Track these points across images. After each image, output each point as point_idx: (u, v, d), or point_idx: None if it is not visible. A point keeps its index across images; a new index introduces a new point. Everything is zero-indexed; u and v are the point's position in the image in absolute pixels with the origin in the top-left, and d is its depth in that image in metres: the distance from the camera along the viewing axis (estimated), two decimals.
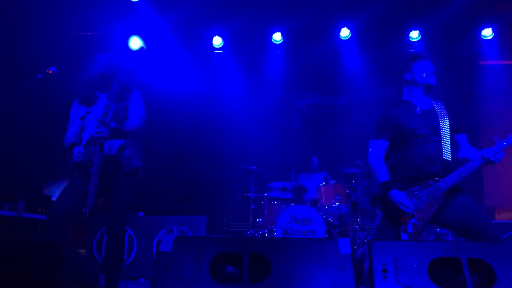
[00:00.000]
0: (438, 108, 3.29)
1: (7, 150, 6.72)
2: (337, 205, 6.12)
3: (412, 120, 3.20)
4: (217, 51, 8.18)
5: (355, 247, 5.83)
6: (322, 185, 6.35)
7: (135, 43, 7.92)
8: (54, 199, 3.38)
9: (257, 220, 6.63)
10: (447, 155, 3.14)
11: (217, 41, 7.97)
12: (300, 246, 2.30)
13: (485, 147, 3.09)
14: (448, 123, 3.22)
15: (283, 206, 6.31)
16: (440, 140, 3.17)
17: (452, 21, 7.28)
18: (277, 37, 7.87)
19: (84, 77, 3.63)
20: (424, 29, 7.62)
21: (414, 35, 7.66)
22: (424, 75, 3.24)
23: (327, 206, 6.15)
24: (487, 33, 7.52)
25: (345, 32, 7.72)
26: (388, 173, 3.18)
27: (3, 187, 6.25)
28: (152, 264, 5.97)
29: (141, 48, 7.92)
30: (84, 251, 5.93)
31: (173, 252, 2.31)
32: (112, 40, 7.71)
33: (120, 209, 3.44)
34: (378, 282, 2.15)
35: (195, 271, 2.24)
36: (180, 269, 2.25)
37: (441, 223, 3.06)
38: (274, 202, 6.55)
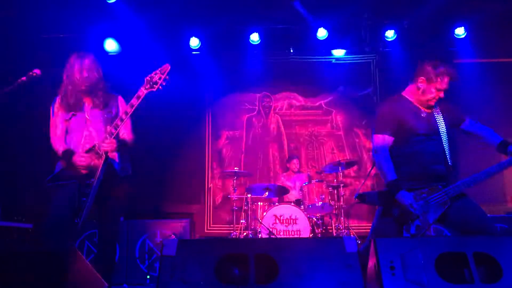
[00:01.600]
0: (436, 112, 3.31)
1: None
2: (321, 204, 6.15)
3: (415, 121, 3.21)
4: (194, 52, 8.10)
5: None
6: (305, 184, 6.36)
7: (110, 45, 7.79)
8: (49, 208, 3.28)
9: (241, 221, 6.59)
10: (449, 158, 3.18)
11: (194, 42, 7.89)
12: (306, 245, 2.29)
13: None
14: (445, 127, 3.25)
15: (267, 206, 6.31)
16: (441, 142, 3.20)
17: (426, 20, 7.41)
18: (254, 37, 7.84)
19: (71, 81, 3.53)
20: (399, 28, 7.72)
21: (390, 34, 7.75)
22: (432, 96, 3.20)
23: (311, 205, 6.17)
24: (460, 32, 7.67)
25: (322, 32, 7.75)
26: (395, 170, 3.16)
27: None
28: (135, 269, 5.90)
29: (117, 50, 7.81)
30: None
31: (177, 256, 2.26)
32: (87, 42, 7.55)
33: (116, 216, 3.42)
34: (386, 280, 2.15)
35: (201, 274, 2.20)
36: (185, 272, 2.21)
37: (443, 222, 3.09)
38: (257, 203, 6.53)
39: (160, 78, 3.43)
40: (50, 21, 7.26)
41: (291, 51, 8.19)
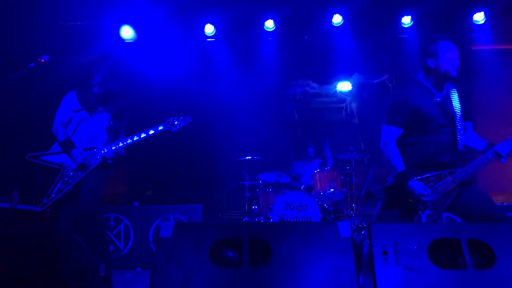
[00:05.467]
0: (453, 94, 3.22)
1: (1, 142, 6.67)
2: (332, 191, 6.14)
3: (430, 107, 3.13)
4: (209, 39, 8.11)
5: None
6: (317, 171, 6.36)
7: (126, 32, 7.85)
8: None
9: (253, 207, 6.64)
10: (460, 145, 3.12)
11: (209, 29, 7.90)
12: (300, 230, 2.31)
13: (501, 142, 3.07)
14: (460, 110, 3.16)
15: (278, 193, 6.33)
16: (455, 131, 3.12)
17: (444, 6, 7.26)
18: (269, 24, 7.80)
19: (88, 86, 3.82)
20: (416, 15, 7.59)
21: (406, 20, 7.62)
22: (450, 67, 3.13)
23: (322, 192, 6.17)
24: (479, 17, 7.49)
25: (337, 19, 7.66)
26: (403, 162, 3.11)
27: None
28: (149, 253, 6.01)
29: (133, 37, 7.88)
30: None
31: (173, 239, 2.30)
32: (103, 29, 7.63)
33: (94, 198, 3.59)
34: (378, 265, 2.16)
35: (196, 257, 2.24)
36: (180, 255, 2.25)
37: (452, 210, 3.06)
38: (269, 190, 6.57)
39: (179, 125, 3.84)
40: (67, 8, 7.33)
41: (306, 37, 8.12)
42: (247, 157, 6.73)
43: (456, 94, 3.23)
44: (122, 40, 7.88)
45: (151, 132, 3.71)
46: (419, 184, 2.99)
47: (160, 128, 3.77)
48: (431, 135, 3.11)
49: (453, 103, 3.17)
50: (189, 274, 2.19)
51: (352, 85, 8.24)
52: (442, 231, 2.21)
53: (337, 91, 8.26)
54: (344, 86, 8.22)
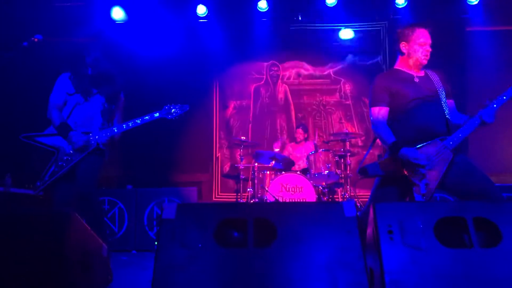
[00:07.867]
0: (431, 75, 3.33)
1: None
2: (327, 173, 6.14)
3: (410, 86, 3.20)
4: (201, 20, 8.01)
5: None
6: (312, 153, 6.34)
7: (117, 13, 7.73)
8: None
9: (247, 189, 6.62)
10: (449, 117, 3.16)
11: (201, 9, 7.80)
12: (305, 210, 2.29)
13: (480, 109, 3.10)
14: (442, 88, 3.24)
15: (273, 175, 6.32)
16: (440, 101, 3.18)
17: None
18: (262, 5, 7.72)
19: (84, 66, 3.79)
20: None
21: (401, 1, 7.58)
22: (420, 53, 3.23)
23: (317, 174, 6.16)
24: None
25: None
26: (393, 135, 3.15)
27: None
28: (144, 236, 6.00)
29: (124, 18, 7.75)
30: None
31: (177, 220, 2.27)
32: (95, 10, 7.50)
33: (92, 181, 3.58)
34: (384, 244, 2.15)
35: (200, 238, 2.21)
36: (184, 236, 2.22)
37: (446, 189, 3.05)
38: (264, 172, 6.55)
39: (176, 113, 3.79)
40: None
41: (300, 18, 8.04)
42: (241, 139, 6.70)
43: (434, 74, 3.33)
44: (113, 21, 7.76)
45: (147, 118, 3.68)
46: (411, 150, 3.00)
47: (156, 115, 3.73)
48: (419, 107, 3.14)
49: (434, 81, 3.27)
50: (194, 254, 2.17)
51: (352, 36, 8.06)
52: (448, 210, 2.21)
53: (339, 36, 8.02)
54: (346, 33, 8.04)
